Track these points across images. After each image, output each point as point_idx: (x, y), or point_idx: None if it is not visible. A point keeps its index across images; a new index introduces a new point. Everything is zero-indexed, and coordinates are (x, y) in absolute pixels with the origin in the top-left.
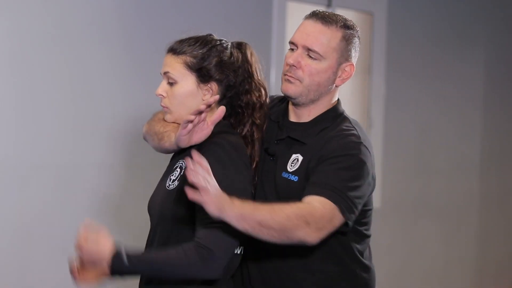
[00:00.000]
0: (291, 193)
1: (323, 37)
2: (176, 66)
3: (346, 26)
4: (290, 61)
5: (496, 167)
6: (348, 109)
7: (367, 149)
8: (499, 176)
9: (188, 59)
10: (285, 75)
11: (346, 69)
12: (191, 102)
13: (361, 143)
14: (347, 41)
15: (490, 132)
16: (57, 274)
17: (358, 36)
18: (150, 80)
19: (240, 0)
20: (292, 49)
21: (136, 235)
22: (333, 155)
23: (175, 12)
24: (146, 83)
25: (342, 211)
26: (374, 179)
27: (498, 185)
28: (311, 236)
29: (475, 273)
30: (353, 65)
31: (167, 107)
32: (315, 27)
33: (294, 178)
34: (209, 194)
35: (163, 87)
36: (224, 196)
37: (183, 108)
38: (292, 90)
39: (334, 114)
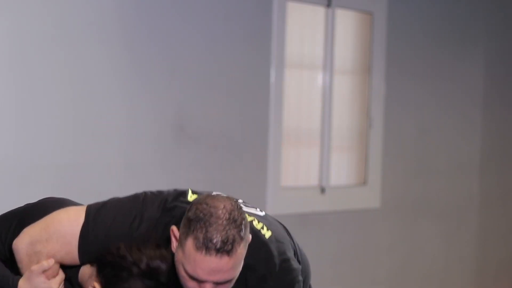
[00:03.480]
0: None
1: (233, 266)
2: None
3: (242, 228)
4: None
5: (496, 167)
6: (348, 109)
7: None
8: (499, 176)
9: None
10: None
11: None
12: None
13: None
14: (246, 239)
15: (490, 132)
16: None
17: (241, 207)
18: (150, 80)
19: (240, 0)
20: (193, 278)
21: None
22: None
23: (175, 12)
24: (146, 83)
25: None
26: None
27: (498, 184)
28: None
29: (475, 273)
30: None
31: None
32: (221, 262)
33: None
34: None
35: None
36: None
37: None
38: None
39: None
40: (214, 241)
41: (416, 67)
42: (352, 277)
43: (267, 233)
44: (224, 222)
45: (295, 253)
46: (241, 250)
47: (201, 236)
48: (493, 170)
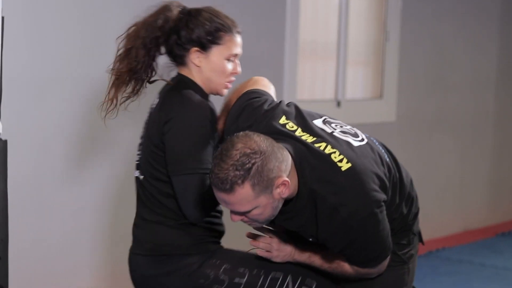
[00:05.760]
0: None
1: (238, 202)
2: None
3: (249, 173)
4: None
5: None
6: (364, 23)
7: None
8: None
9: None
10: None
11: (279, 187)
12: None
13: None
14: (257, 181)
15: (506, 48)
16: (72, 188)
17: (264, 153)
18: None
19: None
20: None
21: None
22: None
23: None
24: None
25: (384, 260)
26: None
27: None
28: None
29: (490, 188)
30: (281, 178)
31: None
32: (223, 196)
33: None
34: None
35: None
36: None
37: None
38: None
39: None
40: (215, 178)
41: None
42: None
43: (345, 166)
44: (231, 162)
45: (390, 175)
46: (244, 191)
47: (212, 169)
48: (509, 86)
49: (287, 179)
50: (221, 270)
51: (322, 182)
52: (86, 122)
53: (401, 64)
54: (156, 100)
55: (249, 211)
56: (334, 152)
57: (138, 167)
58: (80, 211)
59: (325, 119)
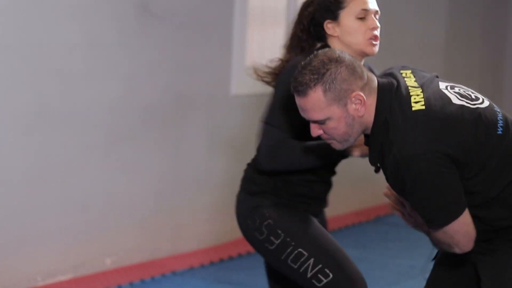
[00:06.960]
0: None
1: (312, 108)
2: None
3: (321, 77)
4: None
5: (461, 47)
6: None
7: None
8: (463, 56)
9: None
10: None
11: (353, 101)
12: None
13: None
14: (329, 87)
15: (455, 12)
16: (23, 157)
17: (341, 63)
18: None
19: None
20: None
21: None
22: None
23: None
24: None
25: (450, 220)
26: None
27: (463, 65)
28: (462, 250)
29: None
30: (354, 93)
31: None
32: (299, 101)
33: None
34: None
35: None
36: None
37: None
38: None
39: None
40: (294, 82)
41: None
42: None
43: (417, 107)
44: (308, 67)
45: (486, 143)
46: (316, 95)
47: (294, 76)
48: (458, 50)
49: (362, 94)
50: (266, 222)
51: (392, 114)
52: (34, 89)
53: None
54: None
55: (323, 121)
56: (418, 95)
57: None
58: (31, 182)
59: (454, 87)
